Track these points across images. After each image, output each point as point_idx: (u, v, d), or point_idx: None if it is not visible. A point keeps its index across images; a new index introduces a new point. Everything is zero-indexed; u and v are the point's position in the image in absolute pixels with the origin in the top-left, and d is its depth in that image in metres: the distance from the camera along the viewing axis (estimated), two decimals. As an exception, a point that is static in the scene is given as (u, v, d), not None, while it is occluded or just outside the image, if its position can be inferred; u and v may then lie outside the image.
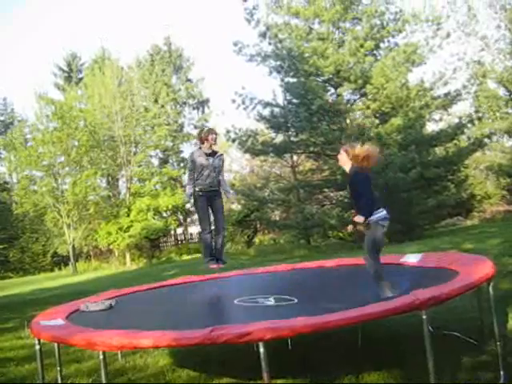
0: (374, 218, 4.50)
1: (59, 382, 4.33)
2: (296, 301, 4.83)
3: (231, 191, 6.67)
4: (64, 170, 27.40)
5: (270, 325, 2.94)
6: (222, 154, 6.42)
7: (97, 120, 27.79)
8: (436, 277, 4.25)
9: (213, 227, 6.37)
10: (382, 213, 4.60)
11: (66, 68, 38.63)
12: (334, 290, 5.13)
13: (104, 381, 3.26)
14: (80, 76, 37.30)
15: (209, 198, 6.20)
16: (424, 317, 3.12)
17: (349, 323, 3.09)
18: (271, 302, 4.84)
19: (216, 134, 6.33)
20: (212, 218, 6.32)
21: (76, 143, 26.70)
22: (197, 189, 6.20)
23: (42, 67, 51.32)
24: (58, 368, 4.37)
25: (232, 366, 4.62)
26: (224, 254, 6.43)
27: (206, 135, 6.29)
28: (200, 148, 6.33)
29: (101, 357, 3.26)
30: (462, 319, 5.19)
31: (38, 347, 4.04)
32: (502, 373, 3.58)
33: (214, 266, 6.26)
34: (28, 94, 52.62)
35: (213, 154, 6.26)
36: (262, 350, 2.83)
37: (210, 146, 6.24)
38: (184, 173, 37.38)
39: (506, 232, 13.35)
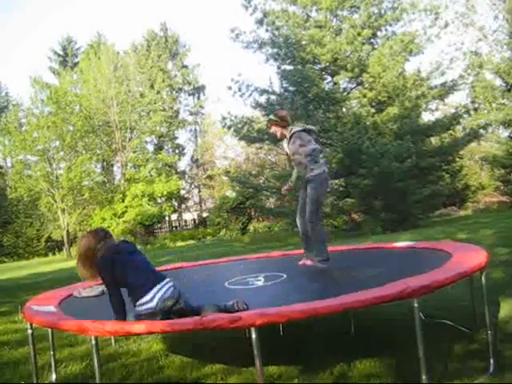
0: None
1: (52, 366, 4.34)
2: (285, 276, 4.89)
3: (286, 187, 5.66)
4: (59, 154, 27.35)
5: (261, 310, 2.95)
6: (293, 138, 5.32)
7: (92, 105, 27.70)
8: (428, 262, 4.27)
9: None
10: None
11: (61, 52, 38.39)
12: (323, 272, 5.15)
13: (96, 366, 3.27)
14: (75, 60, 37.13)
15: (304, 184, 5.33)
16: (415, 305, 3.13)
17: (340, 310, 3.11)
18: (261, 281, 4.87)
19: (272, 124, 5.43)
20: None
21: (71, 128, 26.63)
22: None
23: (37, 51, 51.08)
24: (51, 352, 4.38)
25: (224, 353, 4.64)
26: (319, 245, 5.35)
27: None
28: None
29: (93, 342, 3.26)
30: (454, 308, 5.23)
31: (30, 332, 4.05)
32: (491, 361, 3.61)
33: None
34: (23, 77, 52.36)
35: (290, 140, 5.34)
36: (253, 335, 2.84)
37: (281, 135, 5.42)
38: (179, 159, 37.42)
39: (500, 223, 13.43)
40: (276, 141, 21.65)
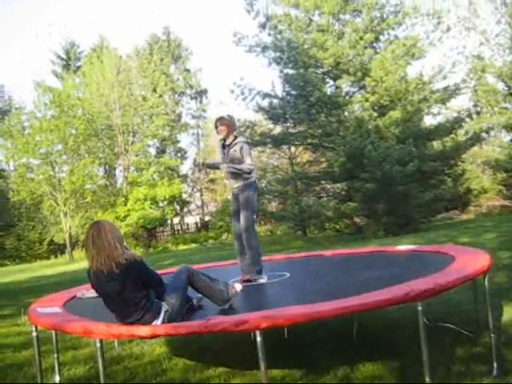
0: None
1: (56, 368, 4.35)
2: (288, 275, 4.94)
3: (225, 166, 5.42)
4: (61, 158, 27.35)
5: (266, 313, 2.97)
6: (240, 144, 5.34)
7: (95, 109, 27.71)
8: (432, 265, 4.28)
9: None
10: None
11: (64, 56, 38.46)
12: (327, 275, 5.18)
13: (101, 368, 3.28)
14: (78, 64, 37.14)
15: (235, 195, 5.43)
16: (419, 308, 3.14)
17: (344, 313, 3.12)
18: (264, 279, 4.93)
19: (223, 123, 5.39)
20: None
21: (74, 131, 26.63)
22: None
23: (40, 54, 51.21)
24: (55, 355, 4.39)
25: (228, 356, 4.65)
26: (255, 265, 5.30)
27: (215, 123, 5.51)
28: (221, 139, 5.51)
29: (98, 345, 3.27)
30: (457, 311, 5.23)
31: (34, 334, 4.06)
32: (495, 365, 3.61)
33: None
34: (26, 81, 52.51)
35: (230, 144, 5.39)
36: (258, 338, 2.85)
37: (224, 136, 5.40)
38: (181, 163, 37.43)
39: (502, 226, 13.41)
40: (278, 144, 21.71)
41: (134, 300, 3.48)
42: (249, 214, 5.24)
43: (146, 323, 3.44)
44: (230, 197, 5.64)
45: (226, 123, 5.41)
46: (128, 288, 3.45)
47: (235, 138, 5.40)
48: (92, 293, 4.96)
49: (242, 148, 5.28)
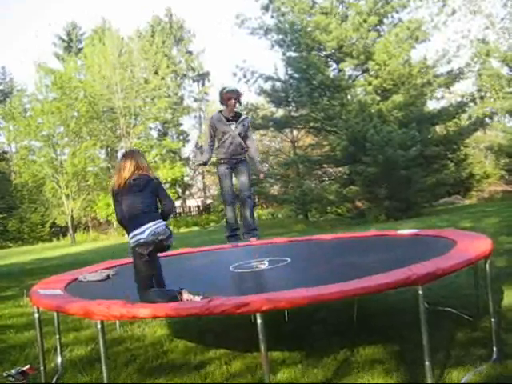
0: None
1: (58, 349, 4.38)
2: (289, 260, 4.94)
3: (263, 170, 6.22)
4: (63, 140, 27.35)
5: (267, 296, 2.97)
6: (246, 118, 5.64)
7: (96, 91, 27.61)
8: (433, 249, 4.28)
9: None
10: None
11: (65, 38, 38.25)
12: (328, 258, 5.18)
13: (102, 349, 3.29)
14: (80, 46, 36.96)
15: (232, 166, 5.57)
16: (420, 292, 3.14)
17: (345, 296, 3.12)
18: (265, 264, 4.92)
19: (238, 95, 5.45)
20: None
21: (75, 114, 26.59)
22: (218, 157, 5.60)
23: (41, 36, 50.86)
24: (57, 336, 4.42)
25: (229, 338, 4.67)
26: (255, 222, 5.78)
27: (226, 96, 5.44)
28: (221, 111, 5.52)
29: (99, 326, 3.28)
30: (458, 295, 5.24)
31: (36, 315, 4.07)
32: (494, 349, 3.63)
33: (235, 243, 5.86)
34: (27, 62, 52.27)
35: (235, 117, 5.47)
36: (259, 321, 2.86)
37: (231, 109, 5.44)
38: (184, 145, 37.38)
39: (504, 211, 13.39)
40: (281, 127, 21.66)
41: (150, 207, 3.78)
42: (250, 182, 5.63)
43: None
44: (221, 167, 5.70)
45: (240, 96, 5.43)
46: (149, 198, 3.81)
47: (240, 113, 5.48)
48: (94, 276, 4.99)
49: (249, 125, 5.50)
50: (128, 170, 3.82)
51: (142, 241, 3.65)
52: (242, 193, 5.57)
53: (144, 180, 3.82)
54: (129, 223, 3.76)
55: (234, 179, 5.77)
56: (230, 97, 5.39)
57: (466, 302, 4.92)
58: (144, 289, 3.69)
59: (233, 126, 5.42)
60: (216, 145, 5.56)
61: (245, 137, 5.54)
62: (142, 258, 3.70)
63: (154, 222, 3.69)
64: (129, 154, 3.99)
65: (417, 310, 3.15)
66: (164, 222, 3.78)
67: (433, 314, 4.44)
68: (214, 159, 5.96)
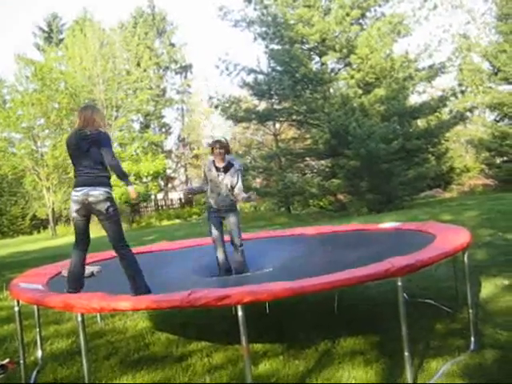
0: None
1: (38, 343, 4.36)
2: (271, 269, 4.92)
3: (252, 197, 5.86)
4: (44, 132, 27.00)
5: (248, 288, 2.98)
6: (238, 169, 5.49)
7: (77, 82, 27.26)
8: (413, 242, 4.32)
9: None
10: None
11: (46, 28, 37.72)
12: (310, 255, 5.21)
13: (82, 342, 3.28)
14: (61, 37, 36.46)
15: (221, 215, 5.52)
16: (399, 284, 3.18)
17: (326, 288, 3.14)
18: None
19: (221, 145, 5.38)
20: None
21: (56, 106, 26.23)
22: (208, 204, 5.62)
23: (21, 26, 50.10)
24: (37, 329, 4.39)
25: (210, 330, 4.68)
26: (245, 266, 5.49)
27: (211, 147, 5.50)
28: (214, 160, 5.48)
29: (79, 319, 3.27)
30: (438, 288, 5.30)
31: (17, 309, 4.04)
32: (472, 339, 3.69)
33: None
34: (6, 53, 51.46)
35: (226, 168, 5.43)
36: (240, 313, 2.87)
37: (220, 159, 5.42)
38: (166, 138, 37.16)
39: (483, 205, 13.57)
40: (263, 120, 21.64)
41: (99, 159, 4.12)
42: (239, 231, 5.52)
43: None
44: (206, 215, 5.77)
45: (225, 147, 5.41)
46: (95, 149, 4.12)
47: (230, 161, 5.46)
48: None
49: (237, 174, 5.44)
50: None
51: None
52: (232, 241, 5.50)
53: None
54: None
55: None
56: (213, 146, 5.46)
57: (445, 294, 4.98)
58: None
59: (221, 177, 5.43)
60: (209, 190, 5.54)
61: (232, 186, 5.49)
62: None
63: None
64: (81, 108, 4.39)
65: (397, 302, 3.19)
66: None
67: (412, 305, 4.49)
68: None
